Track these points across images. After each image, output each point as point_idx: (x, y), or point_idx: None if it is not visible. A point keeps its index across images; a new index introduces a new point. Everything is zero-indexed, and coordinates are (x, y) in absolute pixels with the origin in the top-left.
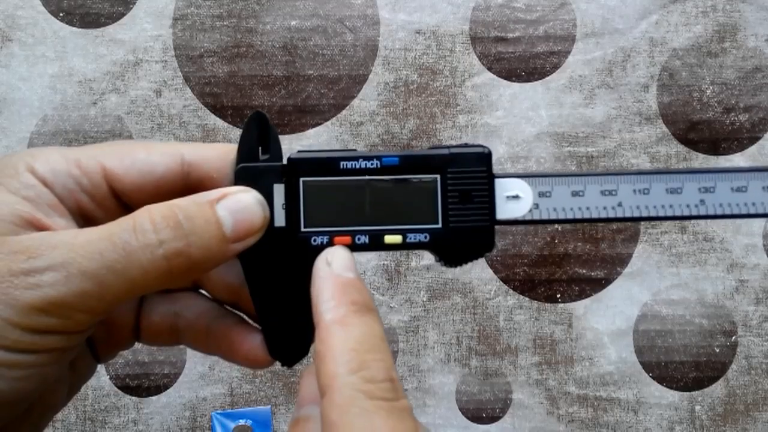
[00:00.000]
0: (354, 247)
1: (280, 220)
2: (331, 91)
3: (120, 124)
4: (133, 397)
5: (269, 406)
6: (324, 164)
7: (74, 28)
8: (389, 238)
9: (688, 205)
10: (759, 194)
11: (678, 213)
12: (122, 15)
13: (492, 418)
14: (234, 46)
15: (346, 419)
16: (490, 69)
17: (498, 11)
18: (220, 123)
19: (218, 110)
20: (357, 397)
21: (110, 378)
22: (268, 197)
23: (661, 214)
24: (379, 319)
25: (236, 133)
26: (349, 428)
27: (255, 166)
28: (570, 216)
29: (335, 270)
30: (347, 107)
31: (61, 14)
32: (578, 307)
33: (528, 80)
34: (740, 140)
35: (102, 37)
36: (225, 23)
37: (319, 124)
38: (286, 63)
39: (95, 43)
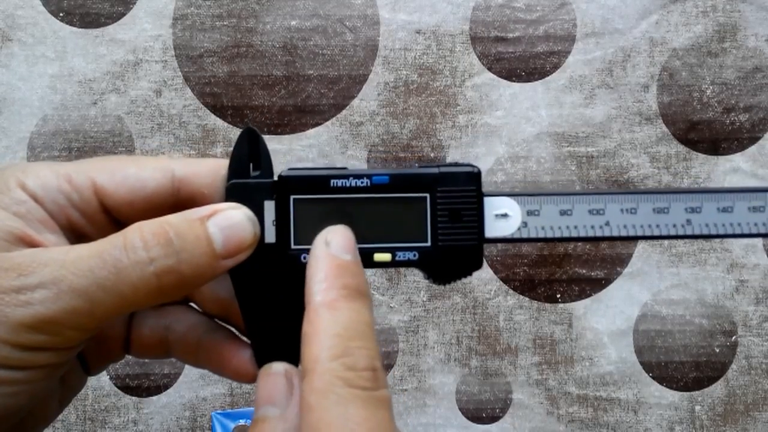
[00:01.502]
0: None
1: (270, 237)
2: (331, 91)
3: (120, 124)
4: (133, 397)
5: None
6: (314, 182)
7: (74, 28)
8: (378, 256)
9: (674, 225)
10: (744, 215)
11: (665, 232)
12: (122, 15)
13: (492, 418)
14: (234, 46)
15: (323, 404)
16: (490, 69)
17: (498, 11)
18: (220, 123)
19: (218, 110)
20: (336, 384)
21: (110, 378)
22: (259, 214)
23: (648, 233)
24: (370, 306)
25: (236, 132)
26: (325, 414)
27: (246, 182)
28: (558, 235)
29: (332, 250)
30: (347, 107)
31: (61, 14)
32: (578, 307)
33: (528, 80)
34: (740, 140)
35: (102, 37)
36: (225, 23)
37: (319, 124)
38: (286, 63)
39: (95, 43)
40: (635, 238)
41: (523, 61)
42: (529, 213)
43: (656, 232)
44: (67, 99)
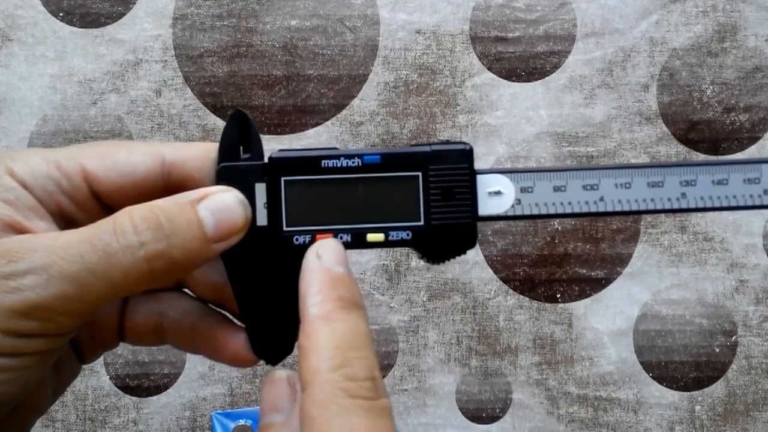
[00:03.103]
0: None
1: (262, 219)
2: (331, 91)
3: (120, 124)
4: (133, 397)
5: None
6: (305, 163)
7: (74, 28)
8: (371, 237)
9: (669, 199)
10: (740, 187)
11: (660, 207)
12: (122, 15)
13: (492, 418)
14: (234, 46)
15: (325, 416)
16: (490, 69)
17: (498, 11)
18: (220, 123)
19: (218, 110)
20: (337, 395)
21: (110, 378)
22: (250, 196)
23: (643, 207)
24: (365, 317)
25: None
26: (328, 425)
27: (236, 165)
28: (552, 211)
29: (325, 263)
30: (347, 107)
31: (61, 14)
32: (578, 307)
33: (528, 80)
34: (740, 140)
35: (102, 36)
36: (225, 23)
37: (319, 124)
38: (286, 63)
39: (95, 43)
40: (630, 213)
41: (523, 61)
42: (523, 190)
43: (651, 207)
44: (67, 99)
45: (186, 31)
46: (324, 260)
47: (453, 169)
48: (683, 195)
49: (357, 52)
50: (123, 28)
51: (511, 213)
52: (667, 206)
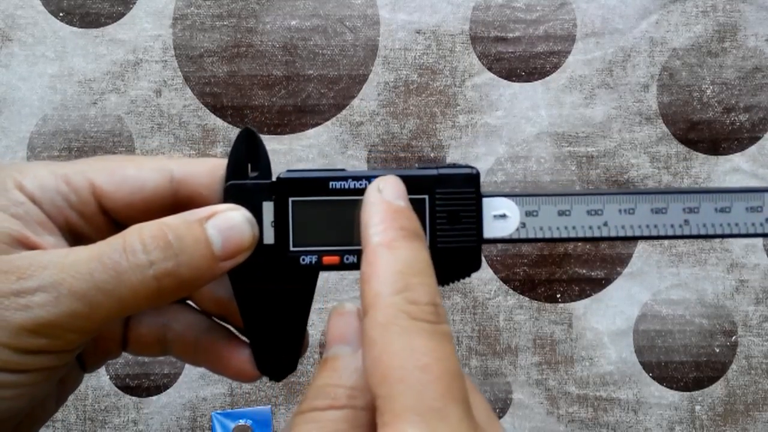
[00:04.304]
0: (342, 267)
1: (269, 238)
2: (331, 91)
3: (120, 124)
4: (133, 397)
5: (269, 406)
6: (313, 184)
7: (74, 28)
8: None
9: (672, 225)
10: (742, 215)
11: (663, 233)
12: (122, 15)
13: None
14: (234, 46)
15: (387, 338)
16: (490, 69)
17: (498, 11)
18: (220, 123)
19: (218, 110)
20: (399, 317)
21: (110, 378)
22: (257, 215)
23: (646, 233)
24: (426, 247)
25: (236, 132)
26: (389, 346)
27: (244, 183)
28: (556, 235)
29: (386, 196)
30: (347, 107)
31: (61, 14)
32: (578, 307)
33: (528, 80)
34: (740, 140)
35: (102, 37)
36: (225, 23)
37: (319, 124)
38: (286, 63)
39: (95, 43)
40: (633, 239)
41: (523, 61)
42: (528, 213)
43: (654, 233)
44: (67, 99)
45: (186, 31)
46: (385, 194)
47: (459, 193)
48: (686, 222)
49: (357, 52)
50: (123, 28)
51: (515, 236)
52: (670, 232)
